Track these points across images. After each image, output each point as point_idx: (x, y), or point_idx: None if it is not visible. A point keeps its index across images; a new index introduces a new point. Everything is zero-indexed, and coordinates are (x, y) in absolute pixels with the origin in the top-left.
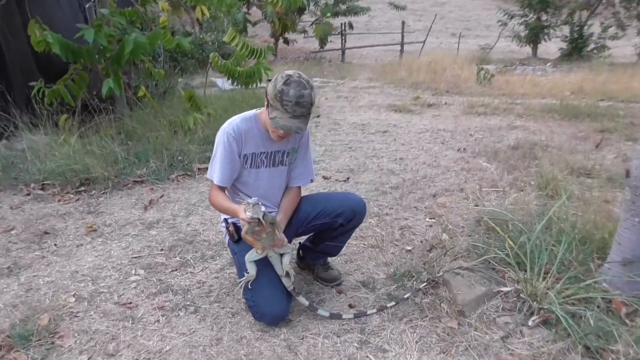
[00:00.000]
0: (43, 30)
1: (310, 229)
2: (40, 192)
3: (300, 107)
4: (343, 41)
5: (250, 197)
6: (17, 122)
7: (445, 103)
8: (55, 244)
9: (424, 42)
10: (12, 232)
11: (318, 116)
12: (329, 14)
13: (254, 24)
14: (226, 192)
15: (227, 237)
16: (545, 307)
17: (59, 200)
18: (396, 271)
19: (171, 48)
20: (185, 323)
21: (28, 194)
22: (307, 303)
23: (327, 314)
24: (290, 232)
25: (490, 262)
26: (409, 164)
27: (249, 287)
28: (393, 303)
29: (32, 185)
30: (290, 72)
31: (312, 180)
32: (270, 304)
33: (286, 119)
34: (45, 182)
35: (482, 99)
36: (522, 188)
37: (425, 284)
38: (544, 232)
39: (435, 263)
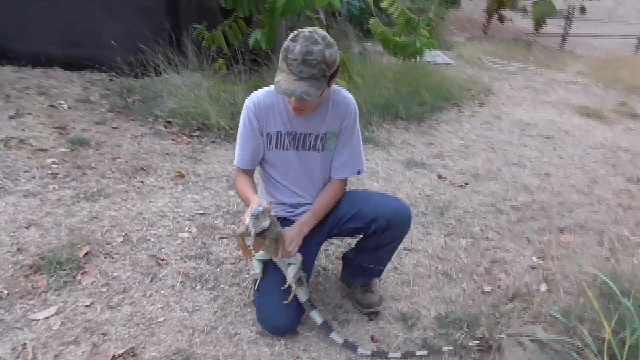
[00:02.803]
0: None
1: (344, 231)
2: (162, 128)
3: (307, 66)
4: (566, 26)
5: (279, 184)
6: (173, 60)
7: None
8: (142, 181)
9: None
10: (117, 160)
11: (481, 105)
12: None
13: None
14: (260, 176)
15: None
16: None
17: (172, 140)
18: (449, 314)
19: (323, 5)
20: (195, 298)
21: (151, 128)
22: (320, 321)
23: (340, 341)
24: (323, 232)
25: (575, 341)
26: (552, 183)
27: (255, 287)
28: (424, 353)
29: (158, 120)
30: (306, 28)
31: (359, 173)
32: (272, 312)
33: (291, 81)
34: (169, 120)
35: None
36: None
37: (476, 342)
38: None
39: (505, 318)
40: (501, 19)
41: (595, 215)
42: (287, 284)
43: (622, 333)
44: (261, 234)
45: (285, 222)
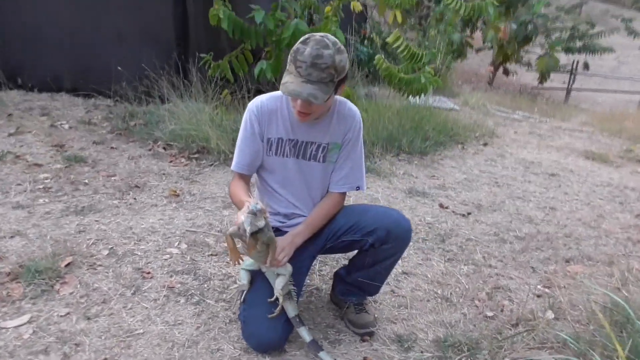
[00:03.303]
0: (224, 6)
1: (338, 245)
2: (161, 150)
3: (316, 69)
4: (571, 80)
5: (276, 194)
6: (179, 88)
7: None
8: (135, 198)
9: None
10: (112, 178)
11: (485, 144)
12: (558, 48)
13: (477, 50)
14: (256, 184)
15: None
16: None
17: (170, 161)
18: (449, 337)
19: None
20: (177, 312)
21: (150, 149)
22: (308, 339)
23: None
24: (317, 245)
25: None
26: (557, 216)
27: (241, 299)
28: None
29: (158, 142)
30: (317, 33)
31: (358, 189)
32: (258, 326)
33: (298, 83)
34: (169, 143)
35: None
36: None
37: None
38: None
39: (509, 343)
40: (506, 72)
41: (603, 247)
42: (274, 297)
43: None
44: (255, 234)
45: (277, 232)
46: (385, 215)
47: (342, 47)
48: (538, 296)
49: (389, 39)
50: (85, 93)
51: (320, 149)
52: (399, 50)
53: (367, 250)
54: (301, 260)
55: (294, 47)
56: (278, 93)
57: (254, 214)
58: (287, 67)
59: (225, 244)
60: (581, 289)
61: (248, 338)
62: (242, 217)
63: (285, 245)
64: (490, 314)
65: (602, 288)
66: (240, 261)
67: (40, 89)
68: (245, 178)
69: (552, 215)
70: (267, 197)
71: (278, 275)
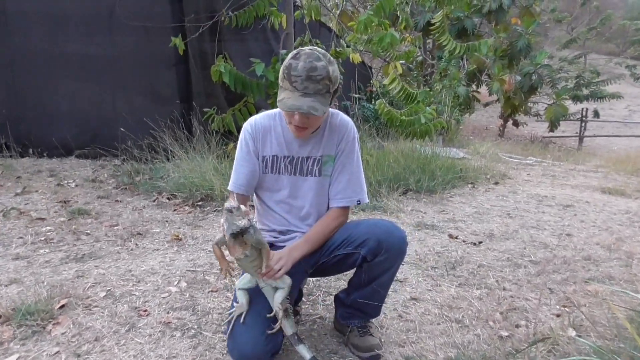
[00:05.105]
0: (225, 63)
1: (332, 260)
2: (165, 200)
3: (312, 82)
4: (582, 128)
5: (271, 211)
6: (184, 144)
7: None
8: (136, 244)
9: None
10: (115, 227)
11: (496, 183)
12: (566, 97)
13: (485, 104)
14: (255, 205)
15: None
16: None
17: (174, 210)
18: (460, 356)
19: None
20: (173, 345)
21: (154, 200)
22: (309, 356)
23: None
24: (310, 261)
25: None
26: (574, 242)
27: (241, 321)
28: None
29: (163, 194)
30: (306, 47)
31: (359, 202)
32: (244, 338)
33: (296, 97)
34: (173, 193)
35: None
36: None
37: None
38: None
39: (526, 358)
40: (516, 123)
41: (625, 268)
42: (273, 312)
43: None
44: (239, 235)
45: (271, 247)
46: (376, 226)
47: (332, 58)
48: (557, 315)
49: (386, 81)
50: (94, 156)
51: (316, 163)
52: (395, 92)
53: (361, 267)
54: (291, 274)
55: (286, 63)
56: (271, 111)
57: (230, 210)
58: (280, 84)
59: (226, 280)
60: (604, 307)
61: (231, 351)
62: (222, 219)
63: (283, 255)
64: (505, 333)
65: (627, 305)
66: (232, 272)
67: (50, 155)
68: (242, 199)
69: (569, 240)
70: (265, 215)
71: (277, 289)
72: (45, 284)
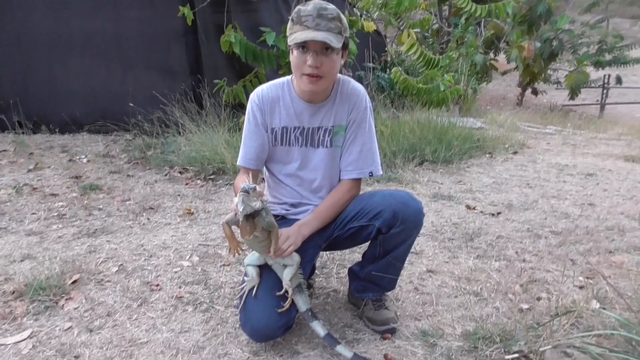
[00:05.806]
0: (235, 33)
1: (346, 233)
2: (176, 174)
3: (324, 19)
4: (604, 95)
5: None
6: (194, 117)
7: None
8: (148, 218)
9: None
10: (127, 202)
11: (515, 153)
12: (587, 63)
13: (503, 73)
14: (265, 179)
15: None
16: None
17: (186, 184)
18: (479, 329)
19: None
20: (185, 319)
21: (166, 174)
22: (323, 333)
23: (349, 355)
24: (324, 235)
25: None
26: (597, 211)
27: (253, 295)
28: None
29: (174, 168)
30: None
31: (371, 174)
32: (257, 312)
33: (308, 32)
34: (185, 167)
35: None
36: None
37: (514, 356)
38: None
39: (548, 332)
40: (535, 92)
41: None
42: (283, 289)
43: None
44: (251, 217)
45: (283, 220)
46: (391, 196)
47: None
48: (580, 287)
49: (403, 48)
50: (105, 131)
51: (327, 133)
52: (414, 58)
53: (376, 239)
54: (305, 249)
55: (295, 10)
56: (279, 81)
57: (247, 192)
58: (289, 31)
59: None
60: (629, 278)
61: (243, 325)
62: (235, 200)
63: (291, 234)
64: (525, 306)
65: None
66: (240, 250)
67: (62, 131)
68: (252, 173)
69: (592, 210)
70: (275, 188)
71: (285, 266)
72: (57, 259)
